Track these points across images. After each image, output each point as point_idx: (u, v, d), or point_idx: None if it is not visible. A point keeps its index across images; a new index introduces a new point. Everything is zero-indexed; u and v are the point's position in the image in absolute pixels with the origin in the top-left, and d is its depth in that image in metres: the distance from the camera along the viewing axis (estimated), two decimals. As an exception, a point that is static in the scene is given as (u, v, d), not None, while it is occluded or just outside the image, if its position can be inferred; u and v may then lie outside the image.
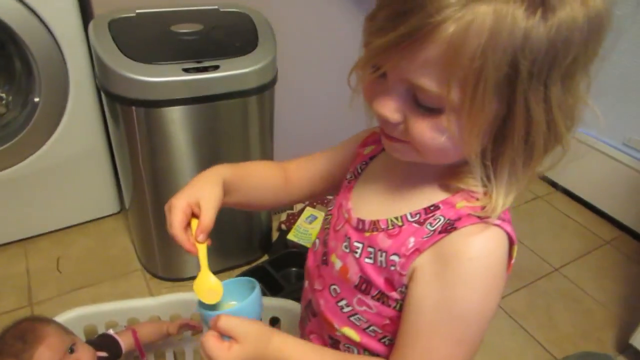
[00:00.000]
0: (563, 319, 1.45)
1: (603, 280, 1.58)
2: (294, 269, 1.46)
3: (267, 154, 1.41)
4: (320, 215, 1.59)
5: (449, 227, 0.49)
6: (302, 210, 1.62)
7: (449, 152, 0.48)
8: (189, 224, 0.58)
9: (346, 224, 0.60)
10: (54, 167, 1.50)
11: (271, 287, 1.33)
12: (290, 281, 1.42)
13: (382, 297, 0.55)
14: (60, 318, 1.02)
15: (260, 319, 0.56)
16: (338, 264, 0.59)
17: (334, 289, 0.60)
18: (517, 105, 0.43)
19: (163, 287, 1.47)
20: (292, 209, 1.72)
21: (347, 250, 0.58)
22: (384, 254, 0.54)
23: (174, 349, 1.16)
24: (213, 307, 0.56)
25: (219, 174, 0.62)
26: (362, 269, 0.56)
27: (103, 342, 0.99)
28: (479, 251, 0.48)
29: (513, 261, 0.52)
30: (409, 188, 0.56)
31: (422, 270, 0.51)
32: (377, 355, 0.59)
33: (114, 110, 1.25)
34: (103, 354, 0.97)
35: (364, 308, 0.57)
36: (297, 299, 0.82)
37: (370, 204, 0.59)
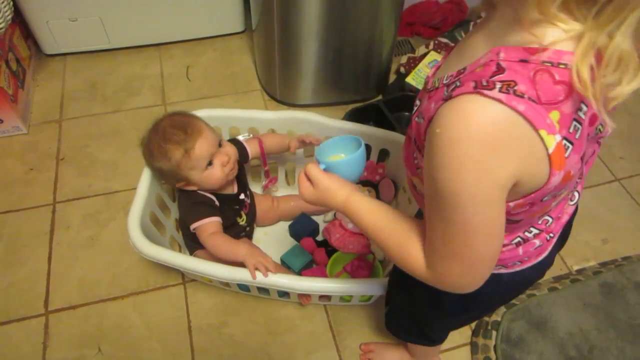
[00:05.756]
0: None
1: None
2: (406, 113, 1.45)
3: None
4: (443, 62, 1.51)
5: (447, 96, 0.45)
6: (424, 55, 1.55)
7: None
8: None
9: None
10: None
11: (383, 127, 1.33)
12: (402, 124, 1.41)
13: None
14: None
15: (359, 173, 0.70)
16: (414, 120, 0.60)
17: (413, 140, 0.59)
18: None
19: (279, 109, 1.54)
20: (413, 52, 1.64)
21: (415, 108, 0.58)
22: (420, 115, 0.52)
23: (285, 167, 1.26)
24: (324, 155, 0.72)
25: None
26: (411, 126, 0.57)
27: (235, 145, 1.07)
28: (448, 125, 0.43)
29: (551, 151, 0.42)
30: (469, 45, 0.50)
31: (427, 140, 0.48)
32: None
33: None
34: None
35: (421, 162, 0.56)
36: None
37: (443, 65, 0.56)
